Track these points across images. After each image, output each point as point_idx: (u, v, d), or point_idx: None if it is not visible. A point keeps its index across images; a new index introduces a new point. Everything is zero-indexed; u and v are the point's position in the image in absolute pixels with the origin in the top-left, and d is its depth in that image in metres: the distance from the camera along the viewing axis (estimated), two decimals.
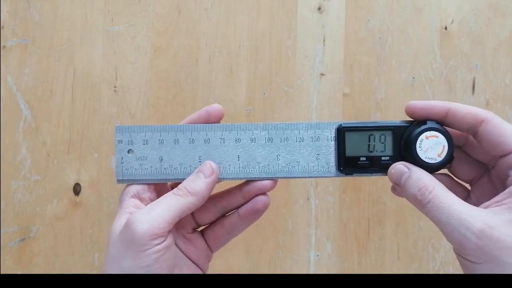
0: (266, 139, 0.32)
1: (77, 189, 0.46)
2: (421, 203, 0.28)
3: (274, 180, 0.32)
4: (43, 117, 0.45)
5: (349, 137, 0.31)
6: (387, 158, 0.31)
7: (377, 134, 0.31)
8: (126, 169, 0.32)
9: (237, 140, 0.32)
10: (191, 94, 0.46)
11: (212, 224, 0.34)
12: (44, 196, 0.45)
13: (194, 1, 0.47)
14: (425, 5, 0.48)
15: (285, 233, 0.47)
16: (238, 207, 0.33)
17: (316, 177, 0.32)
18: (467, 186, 0.32)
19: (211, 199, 0.33)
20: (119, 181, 0.32)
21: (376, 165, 0.31)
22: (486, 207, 0.27)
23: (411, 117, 0.31)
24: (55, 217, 0.45)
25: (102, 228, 0.46)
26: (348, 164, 0.31)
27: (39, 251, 0.45)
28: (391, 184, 0.30)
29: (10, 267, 0.45)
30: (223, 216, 0.34)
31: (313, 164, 0.32)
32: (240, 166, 0.32)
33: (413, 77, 0.47)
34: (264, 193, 0.32)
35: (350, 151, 0.31)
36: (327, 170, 0.32)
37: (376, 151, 0.31)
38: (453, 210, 0.26)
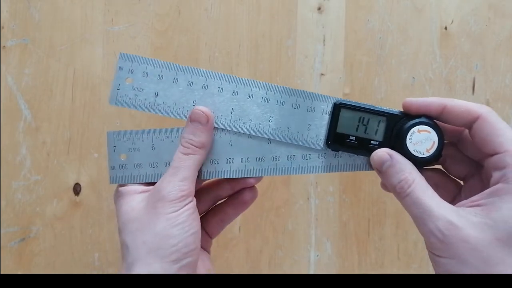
0: (263, 98, 0.32)
1: (77, 189, 0.46)
2: (399, 195, 0.28)
3: (257, 178, 0.33)
4: (43, 117, 0.45)
5: (344, 114, 0.31)
6: (376, 143, 0.31)
7: (372, 117, 0.31)
8: (120, 96, 0.32)
9: (235, 93, 0.32)
10: None
11: (206, 214, 0.35)
12: (44, 196, 0.45)
13: (194, 1, 0.47)
14: (425, 5, 0.48)
15: (285, 233, 0.47)
16: (228, 197, 0.34)
17: (302, 146, 0.32)
18: (461, 182, 0.32)
19: (204, 188, 0.34)
20: (111, 101, 0.32)
21: (363, 147, 0.31)
22: (461, 206, 0.27)
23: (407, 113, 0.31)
24: (55, 217, 0.45)
25: (102, 228, 0.46)
26: (336, 140, 0.31)
27: (39, 251, 0.45)
28: (380, 180, 0.31)
29: (10, 267, 0.45)
30: (215, 204, 0.35)
31: (302, 133, 0.32)
32: (231, 119, 0.32)
33: (413, 77, 0.47)
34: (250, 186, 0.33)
35: (341, 128, 0.31)
36: (315, 142, 0.32)
37: (367, 133, 0.31)
38: (426, 206, 0.27)
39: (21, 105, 0.45)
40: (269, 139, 0.32)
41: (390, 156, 0.29)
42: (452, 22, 0.48)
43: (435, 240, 0.26)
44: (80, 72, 0.46)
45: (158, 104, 0.32)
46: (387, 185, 0.30)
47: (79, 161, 0.46)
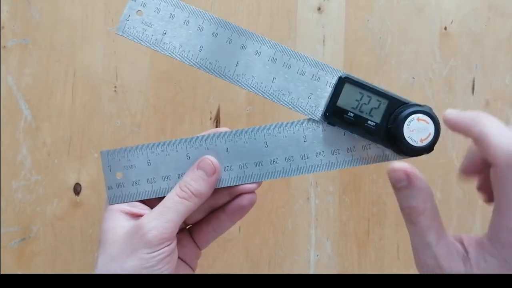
0: (271, 58, 0.31)
1: (77, 189, 0.46)
2: (405, 219, 0.27)
3: (258, 183, 0.32)
4: (43, 117, 0.45)
5: (347, 89, 0.31)
6: (373, 123, 0.30)
7: (374, 97, 0.31)
8: (128, 28, 0.31)
9: (243, 47, 0.31)
10: (191, 94, 0.46)
11: (198, 221, 0.34)
12: (44, 196, 0.45)
13: (194, 1, 0.46)
14: (425, 5, 0.48)
15: (285, 233, 0.47)
16: (224, 205, 0.33)
17: (300, 113, 0.31)
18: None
19: None
20: (119, 30, 0.31)
21: (359, 126, 0.31)
22: (475, 245, 0.25)
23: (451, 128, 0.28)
24: (55, 217, 0.45)
25: None
26: (335, 113, 0.31)
27: (39, 251, 0.45)
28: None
29: (10, 267, 0.45)
30: (209, 213, 0.34)
31: (302, 101, 0.31)
32: (235, 73, 0.31)
33: (413, 77, 0.47)
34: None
35: (341, 102, 0.31)
36: (313, 112, 0.31)
37: (366, 113, 0.31)
38: (428, 242, 0.26)
39: (21, 105, 0.45)
40: (266, 143, 0.32)
41: (408, 177, 0.27)
42: (452, 22, 0.48)
43: (426, 271, 0.25)
44: (80, 72, 0.46)
45: (164, 43, 0.31)
46: (398, 202, 0.28)
47: (79, 161, 0.46)
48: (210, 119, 0.46)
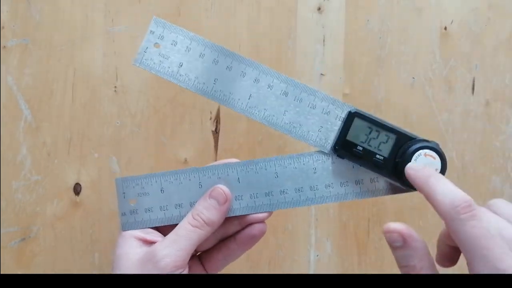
0: (283, 91, 0.32)
1: (77, 189, 0.46)
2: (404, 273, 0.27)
3: (269, 212, 0.33)
4: (43, 117, 0.45)
5: (357, 123, 0.32)
6: (381, 158, 0.31)
7: (382, 132, 0.31)
8: (145, 59, 0.33)
9: (256, 80, 0.32)
10: (191, 94, 0.46)
11: (209, 249, 0.34)
12: (44, 196, 0.45)
13: (194, 1, 0.47)
14: (425, 5, 0.48)
15: (285, 233, 0.47)
16: (235, 234, 0.33)
17: (310, 145, 0.32)
18: None
19: None
20: (136, 61, 0.32)
21: (368, 159, 0.31)
22: None
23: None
24: (55, 217, 0.45)
25: (102, 228, 0.46)
26: (344, 147, 0.32)
27: (39, 251, 0.45)
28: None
29: (10, 267, 0.45)
30: (220, 242, 0.34)
31: (312, 133, 0.32)
32: (247, 105, 0.32)
33: (413, 77, 0.47)
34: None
35: (351, 136, 0.32)
36: (323, 144, 0.32)
37: (374, 147, 0.31)
38: None
39: (21, 105, 0.45)
40: (276, 173, 0.32)
41: (403, 238, 0.27)
42: (452, 22, 0.48)
43: None
44: (80, 72, 0.46)
45: (180, 75, 0.33)
46: (395, 260, 0.28)
47: (79, 161, 0.46)
48: (210, 119, 0.46)
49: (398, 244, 0.27)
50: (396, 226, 0.27)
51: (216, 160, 0.46)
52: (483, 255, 0.25)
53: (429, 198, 0.28)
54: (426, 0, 0.48)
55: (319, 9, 0.47)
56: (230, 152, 0.46)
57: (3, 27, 0.45)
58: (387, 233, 0.28)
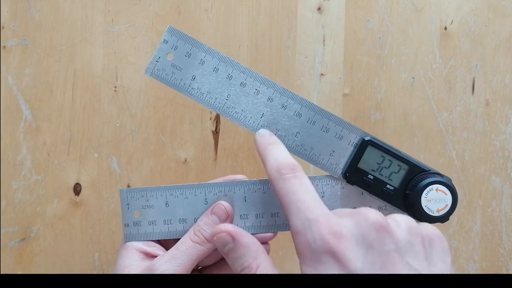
0: (296, 112, 0.32)
1: (77, 189, 0.46)
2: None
3: (274, 233, 0.32)
4: (43, 117, 0.45)
5: (369, 151, 0.31)
6: (391, 188, 0.31)
7: (395, 162, 0.31)
8: (157, 69, 0.31)
9: (270, 99, 0.32)
10: None
11: (210, 265, 0.34)
12: (44, 196, 0.45)
13: (194, 1, 0.47)
14: (425, 5, 0.48)
15: (285, 233, 0.47)
16: None
17: (320, 169, 0.32)
18: None
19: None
20: (147, 71, 0.31)
21: (377, 188, 0.31)
22: None
23: None
24: (55, 217, 0.45)
25: (102, 228, 0.46)
26: (355, 174, 0.31)
27: (40, 251, 0.45)
28: None
29: (10, 267, 0.45)
30: (222, 259, 0.34)
31: (324, 157, 0.32)
32: (259, 124, 0.32)
33: (413, 77, 0.47)
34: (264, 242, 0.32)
35: (363, 164, 0.31)
36: (333, 169, 0.32)
37: (385, 177, 0.31)
38: None
39: (21, 105, 0.45)
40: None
41: (233, 238, 0.28)
42: (452, 22, 0.48)
43: None
44: (80, 72, 0.46)
45: (192, 88, 0.31)
46: (233, 270, 0.29)
47: (79, 161, 0.46)
48: (210, 119, 0.46)
49: (230, 246, 0.28)
50: (223, 225, 0.29)
51: (215, 160, 0.46)
52: (297, 207, 0.26)
53: (264, 162, 0.29)
54: (426, 0, 0.48)
55: (319, 9, 0.47)
56: (230, 152, 0.46)
57: (3, 27, 0.45)
58: (216, 235, 0.28)
